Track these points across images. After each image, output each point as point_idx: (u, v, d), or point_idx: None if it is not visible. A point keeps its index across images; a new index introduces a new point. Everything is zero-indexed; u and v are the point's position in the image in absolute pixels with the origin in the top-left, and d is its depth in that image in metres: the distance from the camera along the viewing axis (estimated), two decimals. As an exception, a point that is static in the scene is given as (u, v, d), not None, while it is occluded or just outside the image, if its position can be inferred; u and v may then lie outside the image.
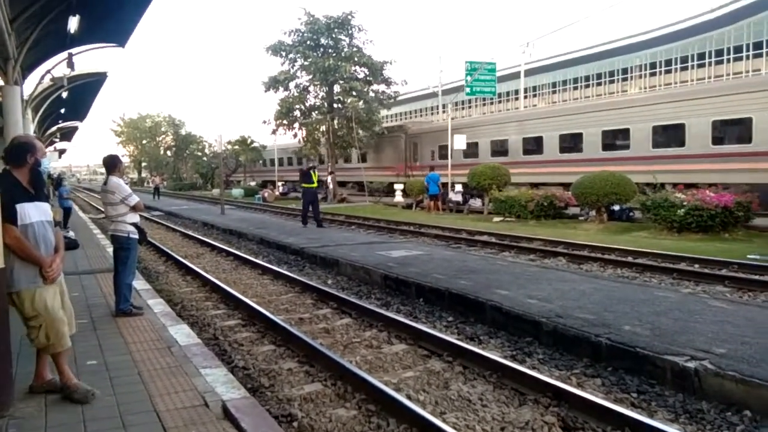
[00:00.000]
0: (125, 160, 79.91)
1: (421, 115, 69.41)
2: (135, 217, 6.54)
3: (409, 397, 4.45)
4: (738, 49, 50.11)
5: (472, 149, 26.20)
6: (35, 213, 3.91)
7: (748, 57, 49.46)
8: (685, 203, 13.76)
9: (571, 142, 22.31)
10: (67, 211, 17.16)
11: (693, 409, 4.24)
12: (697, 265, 10.04)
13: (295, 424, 4.15)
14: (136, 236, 6.51)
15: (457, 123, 29.25)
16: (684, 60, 53.90)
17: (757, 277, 8.93)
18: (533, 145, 23.89)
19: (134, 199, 6.42)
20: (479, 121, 31.68)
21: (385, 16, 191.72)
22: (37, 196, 3.99)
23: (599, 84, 60.67)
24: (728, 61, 50.79)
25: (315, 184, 17.15)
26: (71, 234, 12.82)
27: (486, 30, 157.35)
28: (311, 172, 17.18)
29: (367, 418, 4.22)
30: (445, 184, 24.86)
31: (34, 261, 3.83)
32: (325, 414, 4.28)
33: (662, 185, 15.85)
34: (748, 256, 10.52)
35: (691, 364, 4.51)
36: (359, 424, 4.14)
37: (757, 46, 48.85)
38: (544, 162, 23.08)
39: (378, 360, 5.51)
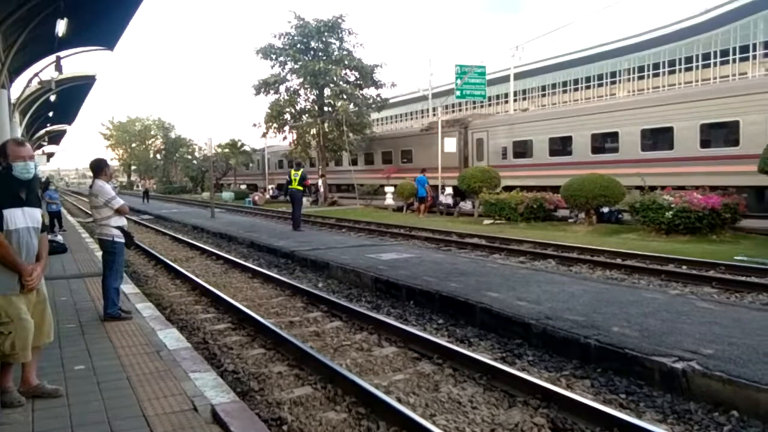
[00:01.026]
0: (114, 163, 79.85)
1: (412, 119, 69.53)
2: (121, 221, 6.42)
3: (399, 400, 4.45)
4: (725, 53, 50.71)
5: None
6: (22, 219, 3.85)
7: (734, 60, 50.06)
8: (672, 205, 13.86)
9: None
10: (55, 215, 16.76)
11: (681, 410, 4.27)
12: (684, 267, 10.12)
13: (284, 427, 4.14)
14: (122, 240, 6.40)
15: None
16: (672, 63, 54.50)
17: (744, 278, 9.02)
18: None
19: (118, 201, 6.30)
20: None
21: (374, 20, 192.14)
22: (27, 201, 3.92)
23: (588, 87, 61.21)
24: (715, 64, 51.41)
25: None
26: (59, 238, 12.70)
27: (476, 33, 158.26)
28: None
29: (357, 421, 4.22)
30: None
31: (14, 268, 3.76)
32: (315, 417, 4.27)
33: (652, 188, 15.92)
34: (735, 258, 10.61)
35: (679, 365, 4.55)
36: (349, 428, 4.14)
37: (744, 49, 49.47)
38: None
39: (368, 363, 5.50)
